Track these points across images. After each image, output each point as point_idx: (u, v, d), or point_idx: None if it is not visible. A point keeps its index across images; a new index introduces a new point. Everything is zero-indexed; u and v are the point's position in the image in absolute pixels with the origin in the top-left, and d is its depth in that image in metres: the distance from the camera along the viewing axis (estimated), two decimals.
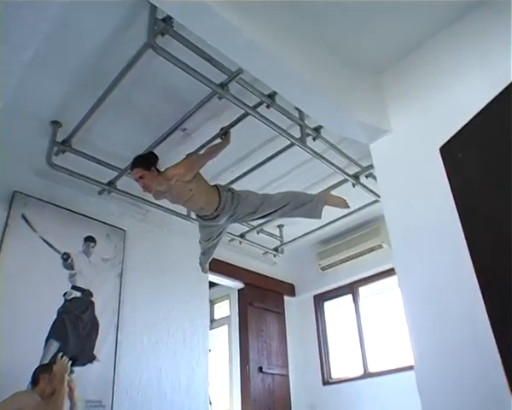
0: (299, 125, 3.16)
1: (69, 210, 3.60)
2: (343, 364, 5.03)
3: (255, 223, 4.38)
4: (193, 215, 3.62)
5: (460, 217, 1.08)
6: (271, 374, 4.90)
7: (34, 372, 2.62)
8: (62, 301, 3.34)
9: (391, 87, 2.80)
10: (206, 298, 4.47)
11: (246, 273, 5.04)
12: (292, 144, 3.21)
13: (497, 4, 2.36)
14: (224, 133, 3.01)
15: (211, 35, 2.14)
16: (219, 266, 4.49)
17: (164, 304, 4.02)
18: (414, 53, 2.71)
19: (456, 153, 1.07)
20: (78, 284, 3.48)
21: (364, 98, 2.77)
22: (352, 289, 5.10)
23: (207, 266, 3.44)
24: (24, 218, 3.29)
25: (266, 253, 5.08)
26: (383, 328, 4.75)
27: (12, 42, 2.10)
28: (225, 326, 5.68)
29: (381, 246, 4.59)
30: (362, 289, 5.08)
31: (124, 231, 3.93)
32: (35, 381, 2.57)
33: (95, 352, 3.38)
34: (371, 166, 3.56)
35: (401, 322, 4.15)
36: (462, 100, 2.40)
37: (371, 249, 4.67)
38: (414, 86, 2.67)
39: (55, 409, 2.42)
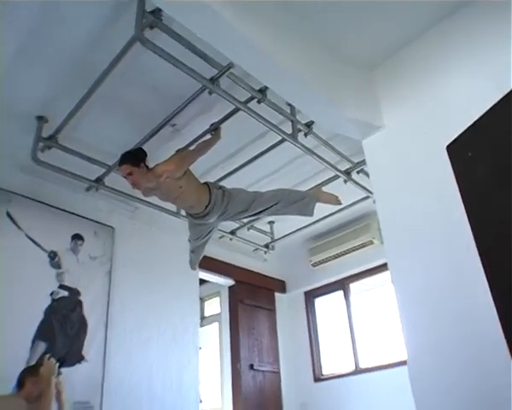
0: (291, 121, 3.13)
1: (56, 207, 3.52)
2: (334, 360, 5.04)
3: (246, 220, 4.34)
4: (183, 212, 3.58)
5: (469, 218, 1.05)
6: (262, 371, 4.88)
7: (20, 375, 2.52)
8: (49, 301, 3.27)
9: (383, 83, 2.79)
10: (196, 295, 4.43)
11: (236, 270, 5.01)
12: (283, 140, 3.18)
13: (487, 2, 2.36)
14: (215, 129, 2.96)
15: (202, 28, 2.10)
16: (209, 263, 4.45)
17: (153, 302, 3.96)
18: (406, 49, 2.70)
19: (465, 152, 1.04)
20: (65, 283, 3.41)
21: (357, 94, 2.75)
22: (343, 285, 5.10)
23: (197, 264, 3.39)
24: (8, 215, 3.20)
25: (257, 249, 5.06)
26: (374, 324, 4.76)
27: None
28: (216, 324, 5.64)
29: (371, 242, 4.59)
30: (353, 286, 5.08)
31: (112, 228, 3.87)
32: (20, 384, 2.48)
33: (83, 352, 3.32)
34: (362, 163, 3.54)
35: (392, 318, 4.18)
36: (454, 96, 2.40)
37: (362, 245, 4.67)
38: (406, 82, 2.65)
39: None
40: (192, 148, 2.95)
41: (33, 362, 2.89)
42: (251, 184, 3.84)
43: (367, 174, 3.56)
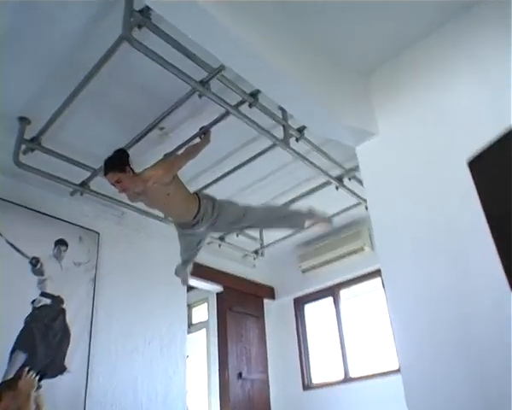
0: (283, 126, 3.06)
1: (39, 212, 3.40)
2: (324, 368, 4.97)
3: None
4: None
5: (494, 239, 0.99)
6: (251, 380, 4.79)
7: None
8: (30, 310, 3.15)
9: (378, 89, 2.74)
10: (183, 302, 4.33)
11: (225, 277, 4.92)
12: (274, 145, 3.11)
13: (485, 8, 2.34)
14: (204, 132, 2.88)
15: (192, 28, 2.02)
16: (197, 270, 4.30)
17: (140, 310, 3.86)
18: (402, 55, 2.66)
19: (489, 168, 0.99)
20: (47, 291, 3.29)
21: (351, 100, 2.69)
22: (333, 291, 5.04)
23: (188, 277, 3.30)
24: None
25: (246, 255, 4.98)
26: (364, 331, 4.70)
27: None
28: (203, 330, 5.55)
29: (362, 249, 4.55)
30: (343, 292, 5.03)
31: (98, 233, 3.76)
32: None
33: (65, 363, 3.20)
34: (355, 169, 3.49)
35: (383, 325, 4.14)
36: (450, 103, 2.37)
37: (353, 252, 4.63)
38: (402, 89, 2.61)
39: None
40: (180, 152, 2.87)
41: (11, 375, 2.76)
42: (241, 189, 3.77)
43: (359, 181, 3.51)
